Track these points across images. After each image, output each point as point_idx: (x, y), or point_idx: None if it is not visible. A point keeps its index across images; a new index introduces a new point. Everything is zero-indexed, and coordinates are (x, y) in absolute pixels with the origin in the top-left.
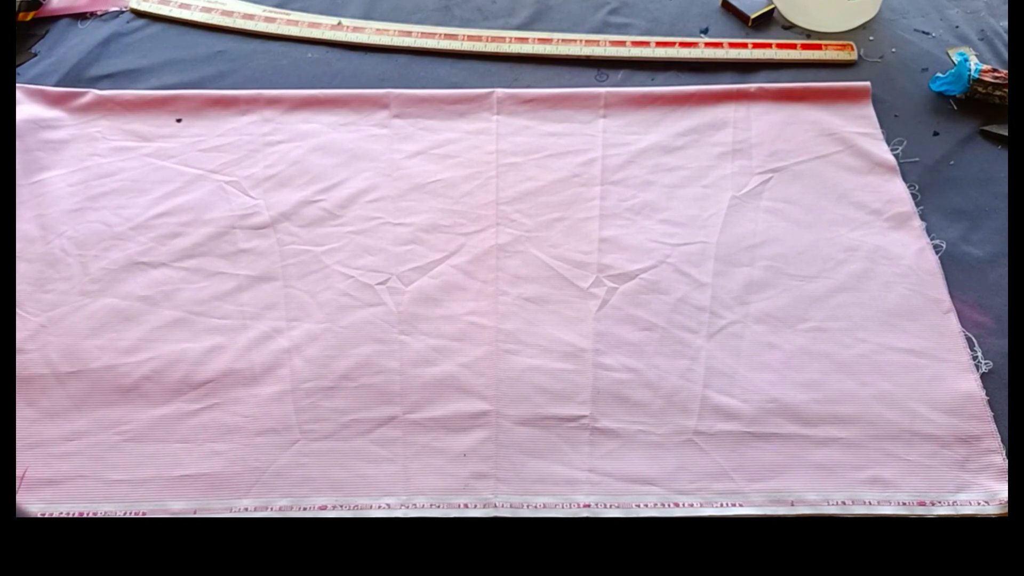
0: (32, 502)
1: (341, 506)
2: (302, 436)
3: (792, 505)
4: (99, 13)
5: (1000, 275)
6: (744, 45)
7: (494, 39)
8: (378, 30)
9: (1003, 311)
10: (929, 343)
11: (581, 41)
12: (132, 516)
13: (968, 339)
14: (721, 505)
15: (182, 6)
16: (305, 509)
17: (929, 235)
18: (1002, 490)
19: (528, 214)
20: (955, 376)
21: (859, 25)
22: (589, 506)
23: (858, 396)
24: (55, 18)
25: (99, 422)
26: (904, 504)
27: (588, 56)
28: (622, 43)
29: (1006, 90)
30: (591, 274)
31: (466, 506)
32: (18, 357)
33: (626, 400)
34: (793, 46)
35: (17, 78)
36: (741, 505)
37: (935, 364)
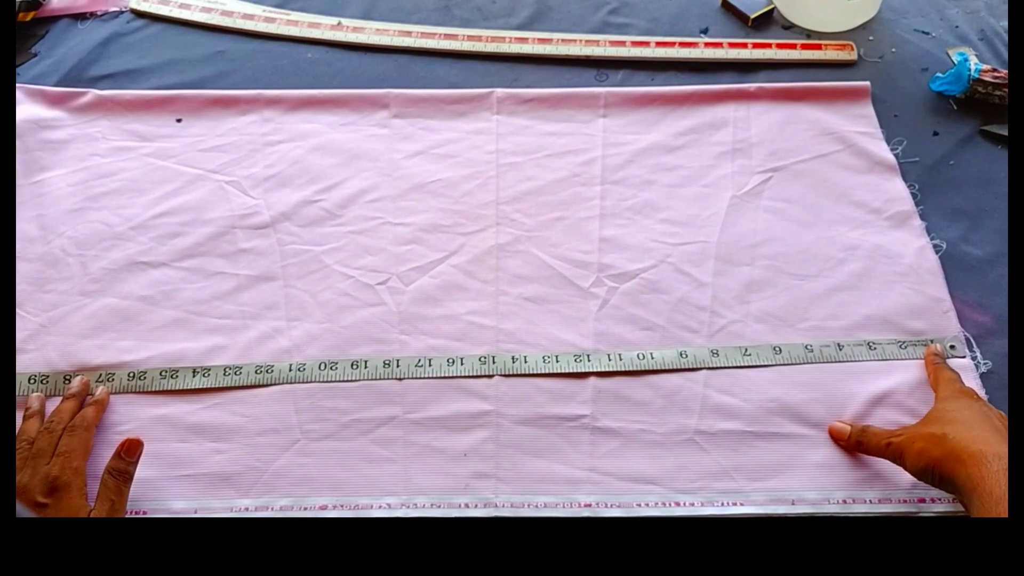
0: None
1: (341, 506)
2: (302, 436)
3: (793, 504)
4: (99, 13)
5: (1000, 275)
6: (744, 45)
7: (494, 39)
8: (378, 30)
9: (1003, 311)
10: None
11: (581, 41)
12: (132, 515)
13: (968, 339)
14: (722, 504)
15: (182, 6)
16: (305, 509)
17: (929, 235)
18: None
19: (528, 214)
20: None
21: (859, 25)
22: (590, 505)
23: (859, 394)
24: (55, 18)
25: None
26: (905, 502)
27: (588, 56)
28: (622, 43)
29: (1006, 90)
30: (591, 274)
31: (467, 506)
32: (18, 357)
33: (627, 399)
34: (793, 46)
35: (17, 78)
36: (742, 504)
37: None
